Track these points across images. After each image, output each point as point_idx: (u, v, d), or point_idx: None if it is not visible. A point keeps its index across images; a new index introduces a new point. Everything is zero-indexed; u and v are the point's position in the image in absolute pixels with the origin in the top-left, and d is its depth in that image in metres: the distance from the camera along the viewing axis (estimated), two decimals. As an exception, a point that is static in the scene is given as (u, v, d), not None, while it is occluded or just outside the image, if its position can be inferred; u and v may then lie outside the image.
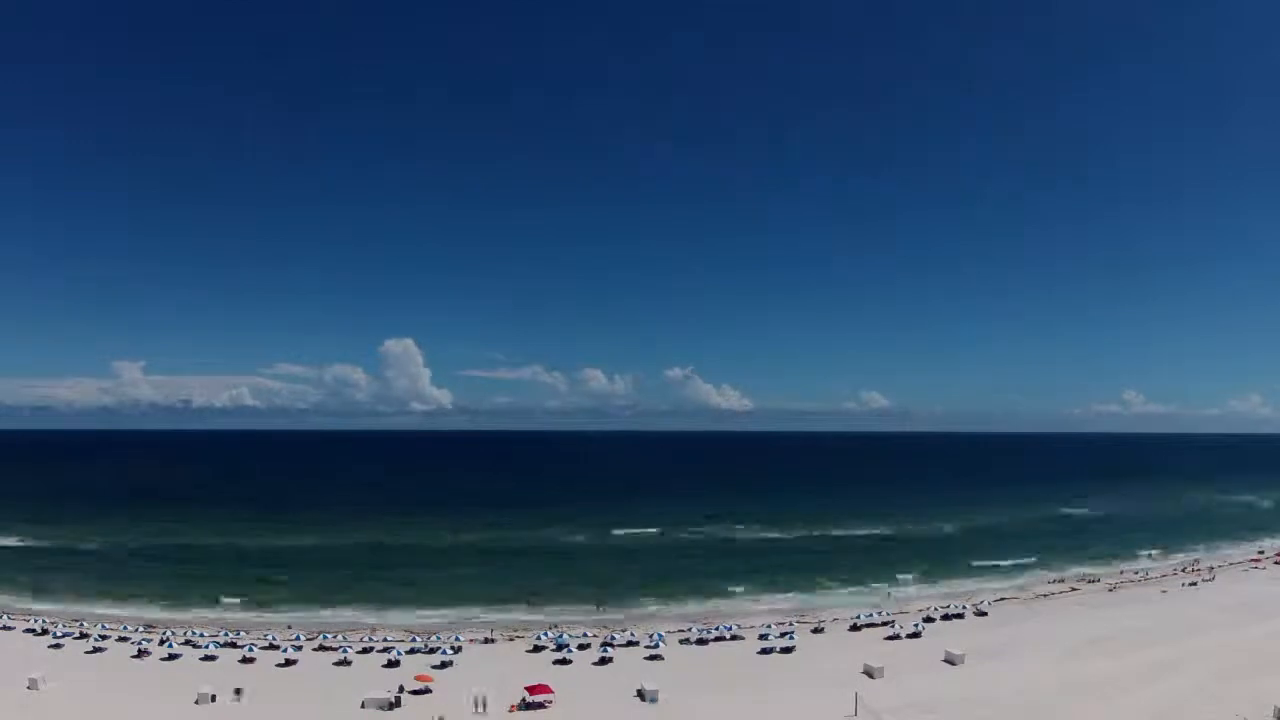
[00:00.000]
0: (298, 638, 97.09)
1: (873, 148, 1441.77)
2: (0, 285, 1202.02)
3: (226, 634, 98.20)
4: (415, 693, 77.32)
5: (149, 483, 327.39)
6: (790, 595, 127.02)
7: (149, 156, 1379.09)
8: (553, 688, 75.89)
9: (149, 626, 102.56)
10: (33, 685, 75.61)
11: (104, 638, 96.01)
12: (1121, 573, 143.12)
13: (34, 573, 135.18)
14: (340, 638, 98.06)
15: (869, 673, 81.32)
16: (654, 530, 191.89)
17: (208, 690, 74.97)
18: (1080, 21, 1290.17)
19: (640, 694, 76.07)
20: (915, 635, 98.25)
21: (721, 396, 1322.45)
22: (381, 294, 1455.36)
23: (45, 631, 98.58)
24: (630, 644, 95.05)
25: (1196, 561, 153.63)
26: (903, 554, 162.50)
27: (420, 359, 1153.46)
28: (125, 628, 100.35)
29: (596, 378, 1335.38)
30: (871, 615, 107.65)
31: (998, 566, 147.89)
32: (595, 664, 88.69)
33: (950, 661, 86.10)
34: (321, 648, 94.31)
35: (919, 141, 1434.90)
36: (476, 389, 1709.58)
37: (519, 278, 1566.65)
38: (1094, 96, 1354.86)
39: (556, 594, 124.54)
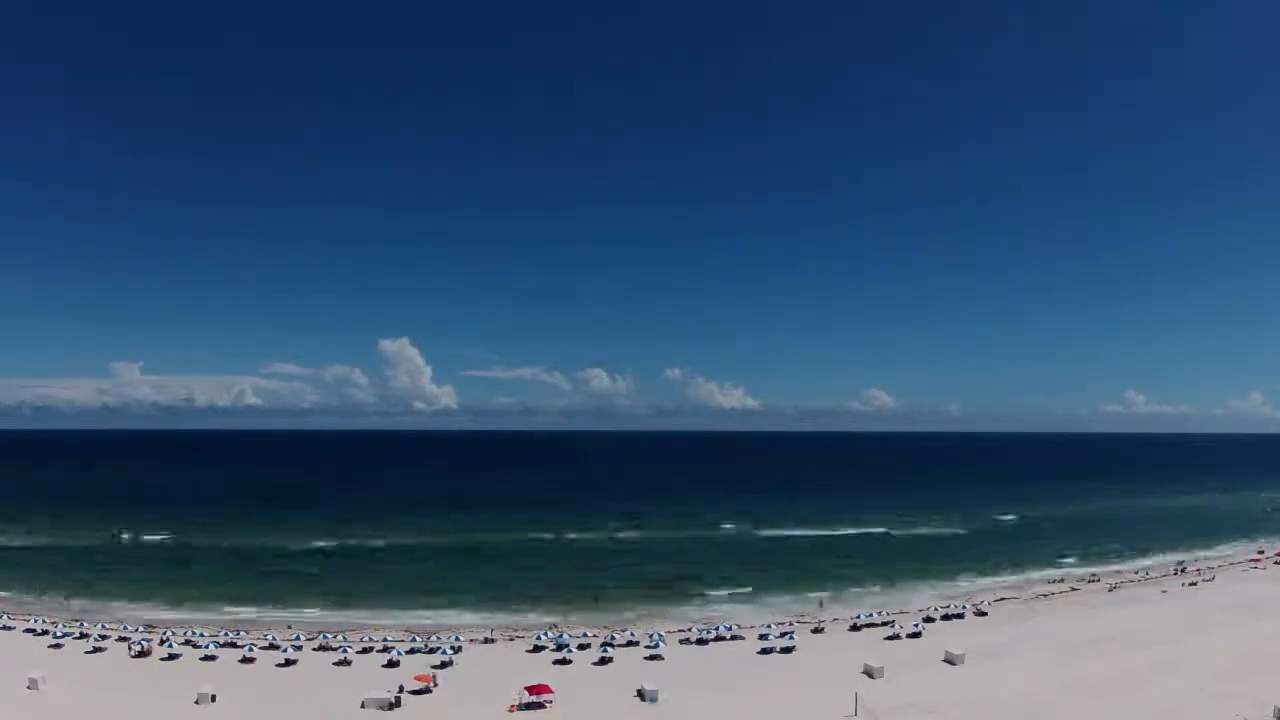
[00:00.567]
0: (298, 638, 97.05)
1: (873, 147, 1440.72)
2: (0, 285, 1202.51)
3: (226, 634, 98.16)
4: (415, 693, 77.29)
5: (149, 482, 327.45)
6: (791, 595, 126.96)
7: (149, 156, 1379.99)
8: (553, 688, 75.82)
9: (149, 626, 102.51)
10: (33, 685, 75.56)
11: (104, 638, 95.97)
12: (1121, 572, 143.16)
13: (34, 572, 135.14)
14: (340, 638, 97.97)
15: (869, 673, 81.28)
16: (655, 530, 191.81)
17: (208, 690, 74.94)
18: (1081, 22, 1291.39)
19: (640, 694, 76.02)
20: (915, 635, 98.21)
21: (724, 396, 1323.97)
22: (381, 294, 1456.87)
23: (45, 631, 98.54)
24: (630, 644, 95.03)
25: (1197, 561, 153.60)
26: (903, 554, 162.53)
27: (419, 359, 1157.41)
28: (125, 628, 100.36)
29: (599, 377, 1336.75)
30: (871, 615, 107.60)
31: (998, 566, 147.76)
32: (595, 664, 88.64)
33: (950, 661, 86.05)
34: (321, 648, 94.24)
35: (919, 141, 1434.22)
36: (478, 389, 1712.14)
37: (519, 278, 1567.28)
38: (1096, 96, 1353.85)
39: (557, 594, 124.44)
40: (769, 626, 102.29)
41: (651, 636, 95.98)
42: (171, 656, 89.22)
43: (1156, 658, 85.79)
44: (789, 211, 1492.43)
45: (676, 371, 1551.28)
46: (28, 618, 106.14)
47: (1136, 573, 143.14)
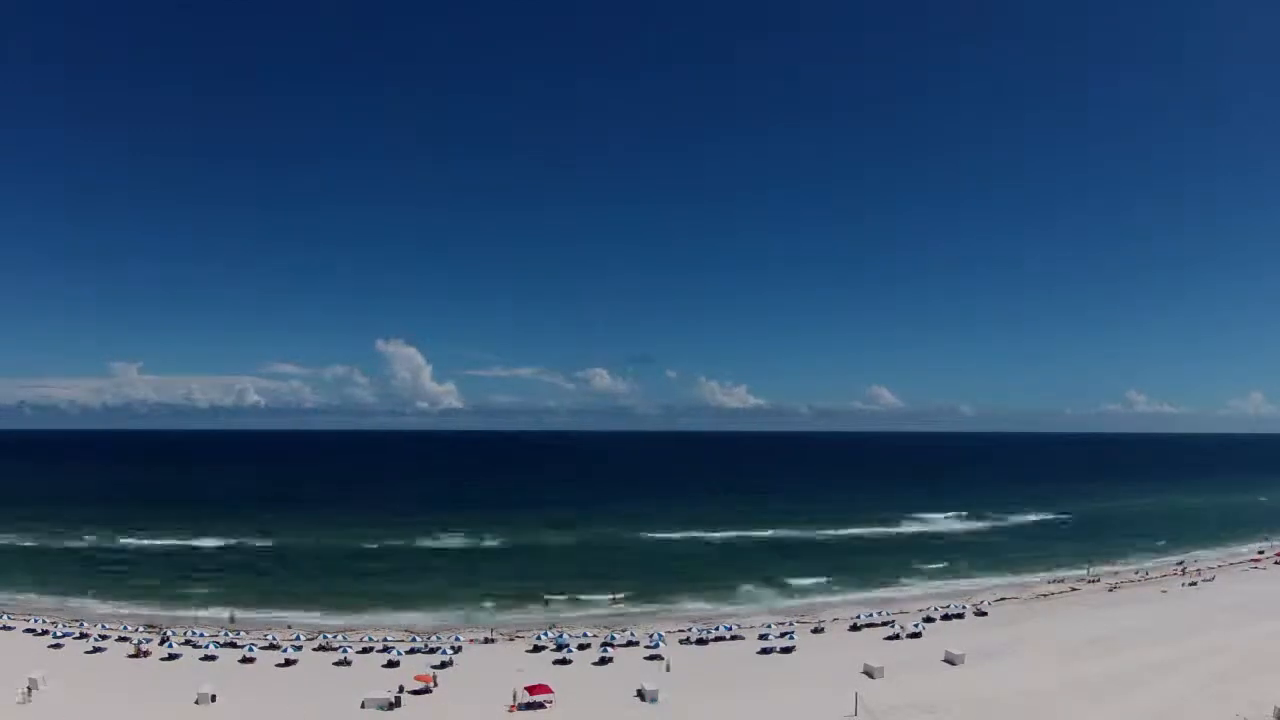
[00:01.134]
0: (298, 638, 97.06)
1: (873, 147, 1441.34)
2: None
3: (226, 634, 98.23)
4: (415, 693, 77.31)
5: (149, 482, 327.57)
6: (791, 595, 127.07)
7: (149, 157, 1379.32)
8: (553, 688, 75.85)
9: (149, 626, 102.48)
10: (33, 685, 75.57)
11: (104, 638, 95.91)
12: (1121, 572, 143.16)
13: (34, 572, 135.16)
14: (340, 638, 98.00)
15: (869, 673, 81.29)
16: (655, 530, 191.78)
17: (208, 690, 74.95)
18: (1081, 21, 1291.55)
19: (640, 694, 76.04)
20: (915, 635, 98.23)
21: (726, 395, 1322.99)
22: (381, 294, 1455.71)
23: (45, 631, 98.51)
24: (630, 644, 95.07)
25: (1197, 561, 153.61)
26: (903, 553, 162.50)
27: (418, 358, 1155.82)
28: (125, 628, 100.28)
29: (600, 377, 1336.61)
30: (871, 615, 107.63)
31: (998, 566, 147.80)
32: (595, 664, 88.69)
33: (950, 661, 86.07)
34: (321, 648, 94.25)
35: (919, 141, 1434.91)
36: (478, 389, 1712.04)
37: (519, 278, 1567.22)
38: (1097, 96, 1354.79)
39: (556, 593, 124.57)
40: (769, 626, 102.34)
41: (651, 636, 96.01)
42: (171, 656, 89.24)
43: (1156, 658, 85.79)
44: (788, 210, 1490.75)
45: (675, 372, 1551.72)
46: (28, 618, 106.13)
47: (1136, 573, 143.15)
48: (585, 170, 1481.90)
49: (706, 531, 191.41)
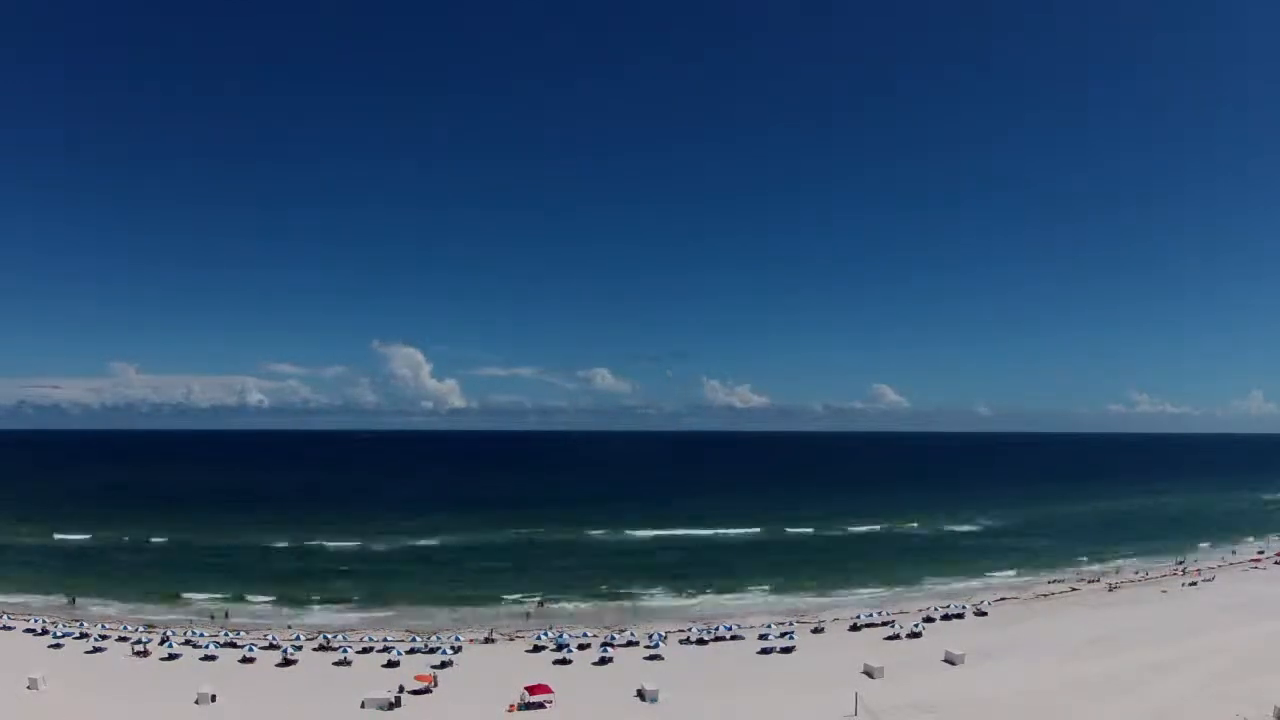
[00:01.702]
0: (298, 638, 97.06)
1: (873, 147, 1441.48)
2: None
3: (226, 634, 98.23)
4: (415, 693, 77.34)
5: (149, 482, 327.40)
6: (791, 595, 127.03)
7: (149, 157, 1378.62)
8: (553, 688, 75.87)
9: (149, 626, 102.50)
10: (32, 685, 75.60)
11: (104, 638, 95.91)
12: (1121, 572, 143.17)
13: (34, 572, 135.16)
14: (340, 638, 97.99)
15: (869, 673, 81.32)
16: (655, 530, 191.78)
17: (208, 690, 74.97)
18: (1081, 21, 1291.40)
19: (640, 694, 76.06)
20: (915, 635, 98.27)
21: (729, 395, 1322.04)
22: (381, 294, 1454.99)
23: (45, 631, 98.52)
24: (630, 644, 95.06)
25: (1197, 561, 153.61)
26: (903, 553, 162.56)
27: (419, 358, 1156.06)
28: (125, 628, 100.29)
29: (603, 377, 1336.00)
30: (871, 615, 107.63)
31: (998, 566, 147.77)
32: (595, 664, 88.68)
33: (950, 661, 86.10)
34: (321, 648, 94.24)
35: (918, 140, 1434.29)
36: (478, 388, 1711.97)
37: (519, 278, 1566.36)
38: (1097, 96, 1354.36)
39: (556, 594, 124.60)
40: (769, 626, 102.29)
41: (651, 636, 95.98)
42: (171, 656, 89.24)
43: (1156, 658, 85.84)
44: (787, 209, 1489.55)
45: (678, 371, 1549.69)
46: (28, 618, 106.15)
47: (1136, 573, 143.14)
48: (586, 170, 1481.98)
49: (706, 530, 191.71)
